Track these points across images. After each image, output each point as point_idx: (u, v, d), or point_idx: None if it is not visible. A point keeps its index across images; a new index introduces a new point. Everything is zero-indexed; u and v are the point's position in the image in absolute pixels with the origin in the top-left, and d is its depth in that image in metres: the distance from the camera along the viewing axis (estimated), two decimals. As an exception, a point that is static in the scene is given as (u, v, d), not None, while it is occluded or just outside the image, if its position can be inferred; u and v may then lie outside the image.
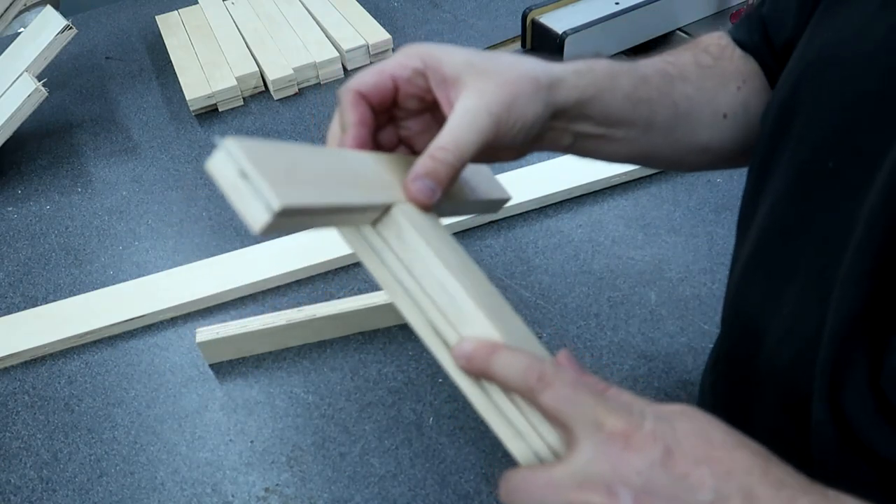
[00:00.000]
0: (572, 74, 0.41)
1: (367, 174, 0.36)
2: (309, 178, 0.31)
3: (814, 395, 0.37)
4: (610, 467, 0.29)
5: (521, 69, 0.39)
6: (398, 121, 0.43)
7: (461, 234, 0.81)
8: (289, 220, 0.29)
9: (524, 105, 0.38)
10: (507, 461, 0.61)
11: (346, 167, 0.36)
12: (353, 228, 0.36)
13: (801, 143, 0.41)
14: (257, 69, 1.04)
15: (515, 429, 0.33)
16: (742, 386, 0.47)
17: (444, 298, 0.34)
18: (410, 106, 0.41)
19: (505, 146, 0.39)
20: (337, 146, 0.40)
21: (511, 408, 0.33)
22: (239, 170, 0.28)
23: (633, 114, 0.45)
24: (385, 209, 0.35)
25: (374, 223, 0.35)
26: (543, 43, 1.03)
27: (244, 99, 1.04)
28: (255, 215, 0.28)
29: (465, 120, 0.36)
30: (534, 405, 0.32)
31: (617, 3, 1.03)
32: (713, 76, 0.50)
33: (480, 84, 0.37)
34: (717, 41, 0.53)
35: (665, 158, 0.50)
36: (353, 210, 0.33)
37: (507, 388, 0.32)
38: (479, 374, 0.33)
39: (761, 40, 0.51)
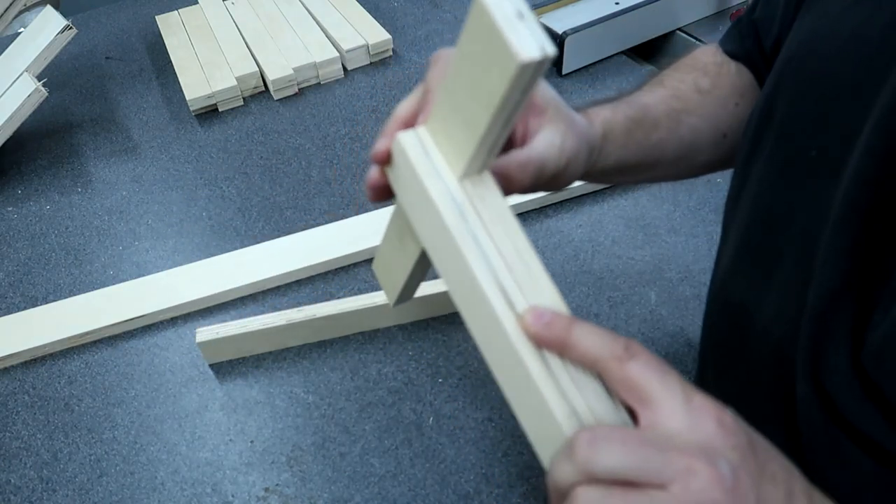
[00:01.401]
0: (601, 139, 0.45)
1: None
2: None
3: (797, 374, 0.37)
4: (708, 440, 0.28)
5: (582, 128, 0.43)
6: None
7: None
8: (530, 76, 0.29)
9: (581, 161, 0.42)
10: (507, 461, 0.61)
11: None
12: (439, 181, 0.35)
13: (782, 135, 0.42)
14: (257, 69, 1.04)
15: (568, 401, 0.31)
16: (732, 373, 0.47)
17: (519, 266, 0.34)
18: None
19: (549, 185, 0.42)
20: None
21: (566, 378, 0.32)
22: (517, 11, 0.29)
23: (644, 158, 0.48)
24: (481, 168, 0.36)
25: (463, 177, 0.35)
26: (543, 43, 1.03)
27: (244, 99, 1.04)
28: (528, 49, 0.28)
29: (553, 152, 0.40)
30: (611, 377, 0.30)
31: (617, 3, 1.03)
32: (714, 100, 0.52)
33: (563, 127, 0.41)
34: (713, 59, 0.55)
35: (667, 179, 0.55)
36: (498, 143, 0.34)
37: (585, 359, 0.31)
38: (553, 343, 0.31)
39: (753, 45, 0.53)
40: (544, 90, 0.41)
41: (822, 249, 0.36)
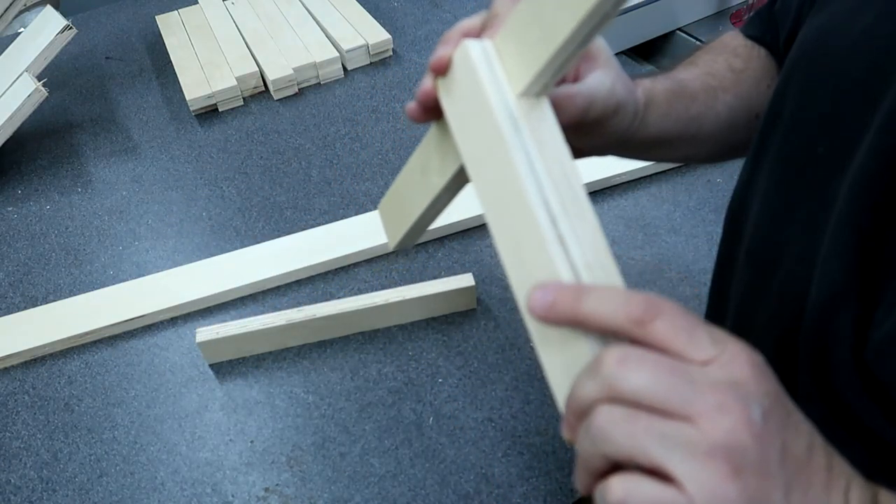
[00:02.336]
0: (644, 107, 0.45)
1: None
2: None
3: (799, 368, 0.37)
4: (743, 380, 0.26)
5: (630, 86, 0.43)
6: None
7: (460, 234, 0.81)
8: (597, 13, 0.29)
9: (628, 114, 0.43)
10: (507, 461, 0.61)
11: None
12: (500, 93, 0.35)
13: (790, 132, 0.42)
14: (257, 69, 1.04)
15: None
16: None
17: (565, 187, 0.33)
18: None
19: (590, 132, 0.42)
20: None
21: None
22: None
23: (683, 131, 0.48)
24: (542, 90, 0.35)
25: (521, 95, 0.35)
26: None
27: (244, 99, 1.04)
28: None
29: (604, 89, 0.40)
30: (638, 341, 0.28)
31: (617, 3, 1.03)
32: (746, 80, 0.52)
33: (613, 74, 0.41)
34: (742, 42, 0.55)
35: (701, 160, 0.55)
36: (558, 70, 0.34)
37: (605, 330, 0.29)
38: (565, 321, 0.29)
39: (773, 40, 0.52)
40: (597, 39, 0.40)
41: (825, 245, 0.36)
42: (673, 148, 0.50)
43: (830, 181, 0.37)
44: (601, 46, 0.41)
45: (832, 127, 0.38)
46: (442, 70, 0.37)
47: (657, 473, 0.26)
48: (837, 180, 0.37)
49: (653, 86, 0.47)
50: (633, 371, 0.26)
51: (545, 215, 0.32)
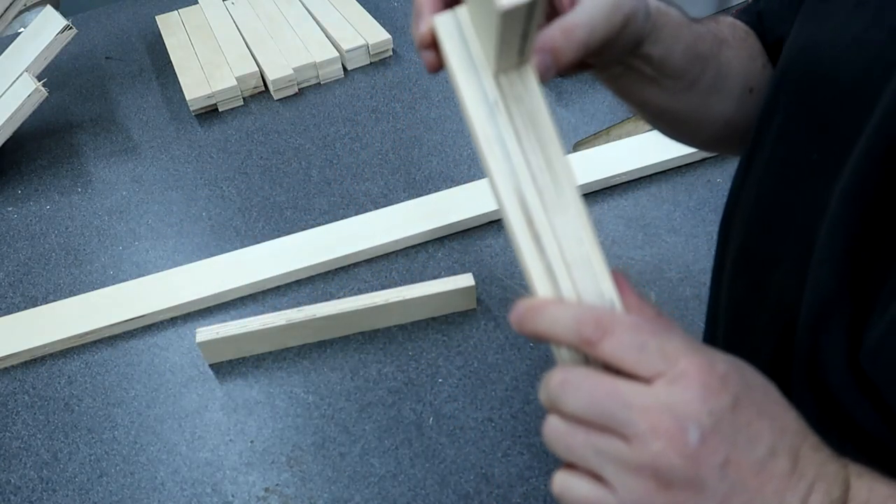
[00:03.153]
0: (655, 12, 0.41)
1: None
2: None
3: (793, 369, 0.38)
4: (683, 402, 0.28)
5: None
6: None
7: (460, 234, 0.81)
8: (513, 21, 0.27)
9: (639, 22, 0.38)
10: (507, 461, 0.61)
11: None
12: (472, 71, 0.33)
13: (784, 138, 0.42)
14: (257, 69, 1.04)
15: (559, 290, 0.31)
16: None
17: (546, 177, 0.32)
18: None
19: (599, 52, 0.38)
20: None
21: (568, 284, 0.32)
22: None
23: (686, 67, 0.45)
24: (521, 62, 0.33)
25: (499, 72, 0.33)
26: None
27: (244, 99, 1.04)
28: None
29: (600, 8, 0.35)
30: (595, 359, 0.30)
31: (617, 3, 1.03)
32: (747, 48, 0.50)
33: None
34: (740, 24, 0.53)
35: (692, 120, 0.50)
36: (528, 46, 0.31)
37: (562, 345, 0.30)
38: (532, 337, 0.31)
39: (759, 34, 0.52)
40: None
41: (817, 250, 0.36)
42: (672, 85, 0.45)
43: (824, 186, 0.37)
44: None
45: (825, 133, 0.38)
46: (428, 46, 0.35)
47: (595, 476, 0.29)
48: (831, 186, 0.37)
49: (666, 8, 0.43)
50: (570, 394, 0.29)
51: (519, 213, 0.32)
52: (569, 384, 0.29)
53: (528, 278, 0.32)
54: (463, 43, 0.33)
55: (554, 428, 0.30)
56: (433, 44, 0.35)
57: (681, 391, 0.28)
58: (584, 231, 0.32)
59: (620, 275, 0.33)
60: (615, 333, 0.29)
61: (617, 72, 0.43)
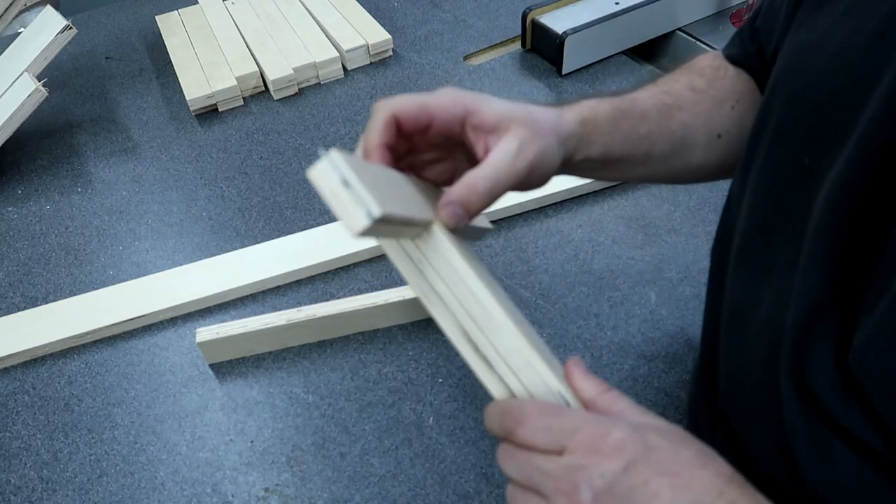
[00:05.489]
0: (580, 126, 0.46)
1: (415, 194, 0.39)
2: (390, 193, 0.34)
3: (780, 372, 0.38)
4: (577, 468, 0.33)
5: (548, 123, 0.43)
6: (414, 150, 0.45)
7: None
8: (378, 228, 0.31)
9: (551, 156, 0.43)
10: (507, 461, 0.61)
11: (403, 185, 0.39)
12: (394, 241, 0.38)
13: (776, 144, 0.42)
14: (257, 69, 1.04)
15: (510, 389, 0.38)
16: (730, 373, 0.47)
17: (476, 308, 0.37)
18: (433, 141, 0.44)
19: (522, 187, 0.43)
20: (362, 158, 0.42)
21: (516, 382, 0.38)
22: (342, 179, 0.31)
23: (632, 150, 0.49)
24: (427, 226, 0.38)
25: (414, 237, 0.38)
26: (543, 43, 1.03)
27: (244, 99, 1.04)
28: (356, 220, 0.30)
29: (506, 160, 0.40)
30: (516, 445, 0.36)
31: (617, 3, 1.03)
32: (707, 99, 0.52)
33: (520, 132, 0.41)
34: (711, 63, 0.56)
35: (661, 179, 0.55)
36: (417, 224, 0.36)
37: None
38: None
39: (755, 52, 0.53)
40: (494, 107, 0.41)
41: (804, 253, 0.37)
42: (625, 167, 0.50)
43: (816, 191, 0.38)
44: (497, 111, 0.41)
45: (815, 139, 0.39)
46: None
47: None
48: (822, 190, 0.37)
49: (597, 105, 0.47)
50: (506, 464, 0.36)
51: (465, 343, 0.38)
52: (505, 456, 0.36)
53: (486, 389, 0.38)
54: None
55: (502, 453, 0.37)
56: None
57: (577, 459, 0.33)
58: (520, 342, 0.37)
59: (573, 362, 0.39)
60: (526, 422, 0.35)
61: (567, 170, 0.48)
